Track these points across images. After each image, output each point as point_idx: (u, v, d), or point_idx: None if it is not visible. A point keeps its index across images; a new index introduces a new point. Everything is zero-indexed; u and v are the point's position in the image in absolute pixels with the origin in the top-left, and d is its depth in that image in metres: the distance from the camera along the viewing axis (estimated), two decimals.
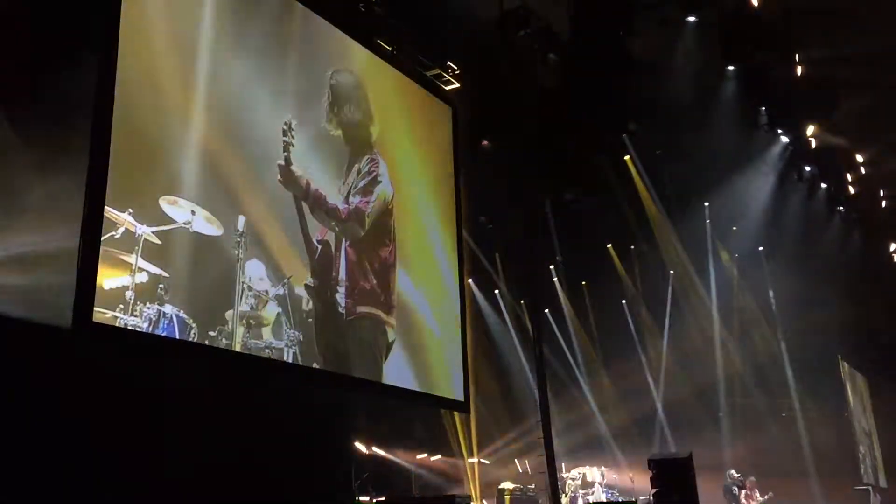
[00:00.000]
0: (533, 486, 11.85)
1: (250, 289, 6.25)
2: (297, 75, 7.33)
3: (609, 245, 15.42)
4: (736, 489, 12.67)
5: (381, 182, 8.02)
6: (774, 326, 17.46)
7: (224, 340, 5.93)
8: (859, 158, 15.43)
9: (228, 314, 6.02)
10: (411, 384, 8.03)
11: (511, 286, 13.84)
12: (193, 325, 5.69)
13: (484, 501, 11.67)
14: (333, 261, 7.27)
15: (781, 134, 14.07)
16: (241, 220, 6.26)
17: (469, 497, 9.15)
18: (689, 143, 12.88)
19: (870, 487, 17.90)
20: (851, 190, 16.17)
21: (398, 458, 10.50)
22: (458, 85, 9.95)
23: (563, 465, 12.76)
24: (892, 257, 18.94)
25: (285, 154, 6.83)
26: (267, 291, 6.40)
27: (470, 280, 11.83)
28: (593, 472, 13.12)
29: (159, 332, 5.44)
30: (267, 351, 6.33)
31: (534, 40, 10.30)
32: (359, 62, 8.14)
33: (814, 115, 13.69)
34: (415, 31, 9.09)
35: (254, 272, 6.32)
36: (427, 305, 8.40)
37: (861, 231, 17.47)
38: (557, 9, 10.24)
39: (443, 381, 8.46)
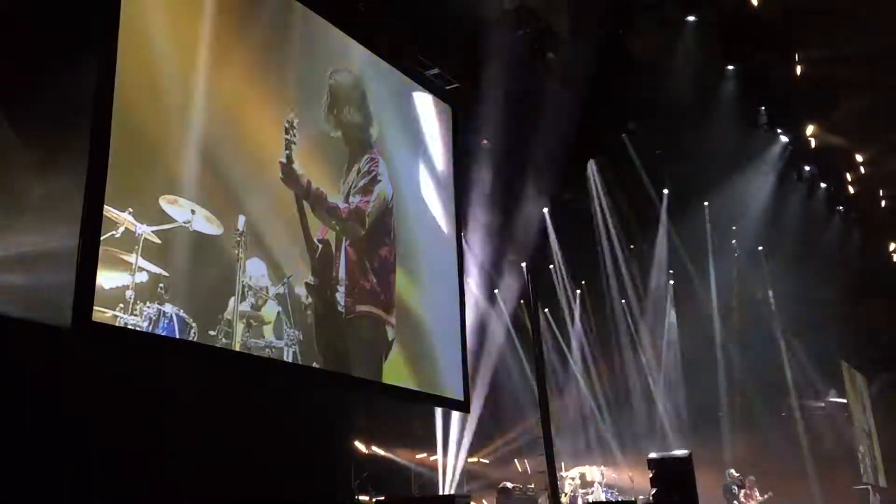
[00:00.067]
0: (533, 486, 11.87)
1: (250, 288, 6.26)
2: (298, 75, 7.33)
3: (609, 244, 15.42)
4: (735, 488, 12.69)
5: (380, 181, 8.02)
6: (774, 326, 17.49)
7: (224, 340, 5.93)
8: (859, 158, 15.45)
9: (229, 313, 6.02)
10: (411, 383, 8.02)
11: (511, 286, 13.84)
12: (193, 324, 5.69)
13: (484, 501, 11.69)
14: (333, 260, 7.27)
15: (781, 134, 14.10)
16: (242, 219, 6.26)
17: (469, 497, 9.15)
18: (688, 142, 12.89)
19: (869, 487, 17.95)
20: (851, 190, 16.20)
21: (398, 457, 10.52)
22: (458, 85, 9.95)
23: (562, 464, 12.78)
24: (892, 257, 18.96)
25: (287, 152, 6.83)
26: (267, 290, 6.40)
27: (469, 279, 11.83)
28: (593, 472, 13.15)
29: (159, 331, 5.44)
30: (267, 350, 6.33)
31: (534, 40, 10.31)
32: (358, 62, 8.14)
33: (813, 114, 13.73)
34: (415, 31, 9.08)
35: (254, 271, 6.32)
36: (427, 305, 8.39)
37: (861, 231, 17.50)
38: (557, 8, 10.24)
39: (443, 380, 8.46)
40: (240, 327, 6.10)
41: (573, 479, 12.59)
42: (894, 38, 11.18)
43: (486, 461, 12.77)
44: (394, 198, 8.20)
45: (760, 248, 16.61)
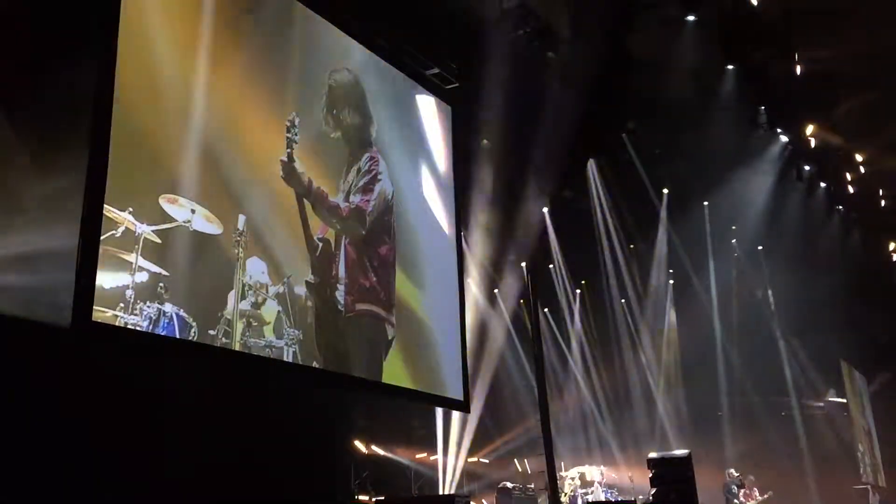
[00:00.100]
0: (533, 486, 11.87)
1: (250, 287, 6.25)
2: (298, 74, 7.33)
3: (609, 244, 15.43)
4: (735, 488, 12.70)
5: (381, 180, 8.02)
6: (774, 326, 17.50)
7: (224, 339, 5.93)
8: (858, 158, 15.45)
9: (229, 312, 6.02)
10: (411, 383, 8.02)
11: (511, 286, 13.84)
12: (193, 323, 5.69)
13: (484, 501, 11.69)
14: (333, 258, 7.27)
15: (781, 133, 14.11)
16: (241, 218, 6.26)
17: (469, 497, 9.15)
18: (688, 142, 12.90)
19: (869, 486, 17.96)
20: (850, 189, 16.19)
21: (398, 457, 10.51)
22: (458, 85, 9.95)
23: (562, 464, 12.77)
24: (892, 257, 18.96)
25: (288, 150, 6.83)
26: (267, 289, 6.40)
27: (469, 279, 11.83)
28: (593, 472, 13.13)
29: (159, 331, 5.44)
30: (267, 350, 6.33)
31: (534, 40, 10.31)
32: (358, 61, 8.14)
33: (813, 114, 13.74)
34: (415, 31, 9.08)
35: (254, 270, 6.32)
36: (427, 304, 8.39)
37: (860, 230, 17.51)
38: (557, 8, 10.24)
39: (443, 380, 8.46)
40: (240, 326, 6.09)
41: (573, 479, 12.57)
42: (894, 37, 11.18)
43: (486, 461, 12.77)
44: (394, 196, 8.20)
45: (760, 247, 16.61)
